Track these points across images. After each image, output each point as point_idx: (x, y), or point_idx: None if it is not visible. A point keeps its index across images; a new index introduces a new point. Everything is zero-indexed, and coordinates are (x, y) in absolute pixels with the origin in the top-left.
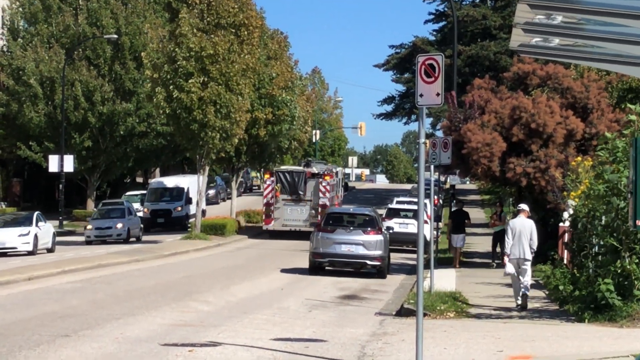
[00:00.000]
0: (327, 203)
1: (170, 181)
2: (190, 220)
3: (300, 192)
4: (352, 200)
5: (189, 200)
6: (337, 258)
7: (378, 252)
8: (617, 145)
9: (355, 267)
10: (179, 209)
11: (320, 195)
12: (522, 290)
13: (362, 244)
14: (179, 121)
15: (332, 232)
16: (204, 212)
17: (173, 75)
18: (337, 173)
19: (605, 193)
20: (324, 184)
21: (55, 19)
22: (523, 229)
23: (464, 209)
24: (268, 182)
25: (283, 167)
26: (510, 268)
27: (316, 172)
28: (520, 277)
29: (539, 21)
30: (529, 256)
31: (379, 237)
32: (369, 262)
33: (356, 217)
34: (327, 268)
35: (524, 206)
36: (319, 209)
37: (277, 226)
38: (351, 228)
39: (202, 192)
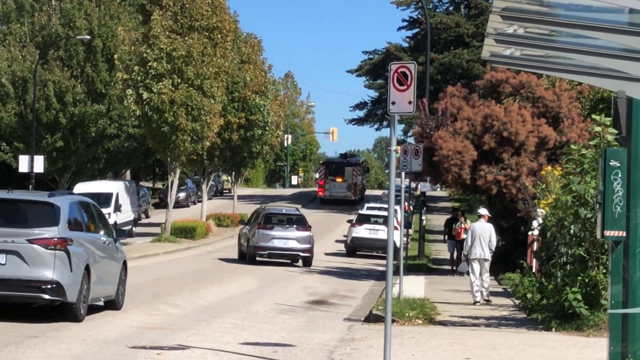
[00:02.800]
0: (358, 182)
1: (98, 186)
2: (122, 228)
3: (341, 175)
4: (320, 207)
5: (118, 207)
6: (275, 251)
7: (308, 246)
8: (585, 156)
9: (289, 258)
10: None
11: (353, 177)
12: (484, 290)
13: (295, 238)
14: (150, 123)
15: (271, 229)
16: (135, 221)
17: (144, 77)
18: (363, 162)
19: (573, 204)
20: (355, 170)
21: (27, 18)
22: (483, 232)
23: (457, 217)
24: (322, 169)
25: (330, 157)
26: (464, 266)
27: (351, 162)
28: (481, 276)
29: (511, 32)
30: (489, 256)
31: (309, 233)
32: (301, 253)
33: (289, 217)
34: (258, 259)
35: (483, 211)
36: (352, 186)
37: (327, 195)
38: (286, 225)
39: (172, 195)
